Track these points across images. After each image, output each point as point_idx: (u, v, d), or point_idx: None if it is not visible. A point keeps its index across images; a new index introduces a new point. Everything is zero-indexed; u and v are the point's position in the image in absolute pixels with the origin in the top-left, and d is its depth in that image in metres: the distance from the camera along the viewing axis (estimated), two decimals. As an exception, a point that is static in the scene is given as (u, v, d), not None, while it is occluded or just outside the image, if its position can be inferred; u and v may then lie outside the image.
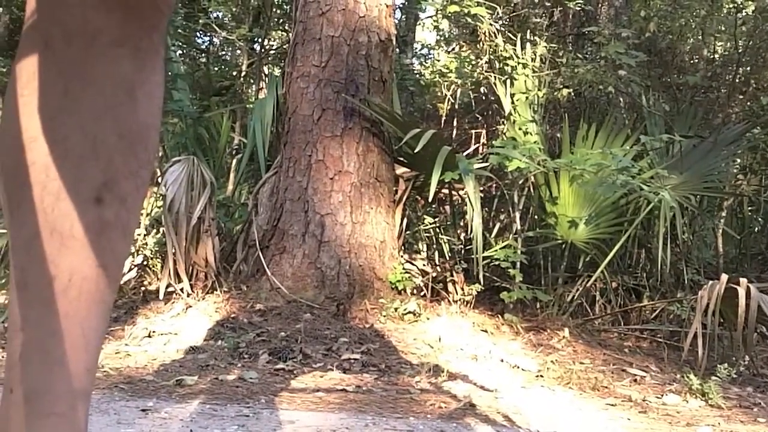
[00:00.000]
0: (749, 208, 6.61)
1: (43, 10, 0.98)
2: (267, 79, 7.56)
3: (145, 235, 5.44)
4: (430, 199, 5.25)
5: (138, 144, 1.00)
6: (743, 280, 4.58)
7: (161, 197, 5.16)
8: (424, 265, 5.73)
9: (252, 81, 9.02)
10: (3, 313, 4.54)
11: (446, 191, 5.90)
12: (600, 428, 3.42)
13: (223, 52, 11.25)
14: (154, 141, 1.04)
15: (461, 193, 5.75)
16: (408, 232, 5.92)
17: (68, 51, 0.96)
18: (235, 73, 9.36)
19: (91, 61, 0.96)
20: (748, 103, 6.74)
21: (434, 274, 5.54)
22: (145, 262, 5.43)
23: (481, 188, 5.75)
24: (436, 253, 5.89)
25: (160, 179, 5.28)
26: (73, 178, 0.96)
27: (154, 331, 4.62)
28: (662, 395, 4.07)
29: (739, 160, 6.75)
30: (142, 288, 5.34)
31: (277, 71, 8.81)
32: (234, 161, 6.45)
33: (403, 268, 5.38)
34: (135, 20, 0.98)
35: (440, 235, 5.99)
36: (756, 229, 6.97)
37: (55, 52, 0.96)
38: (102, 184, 0.97)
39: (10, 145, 0.98)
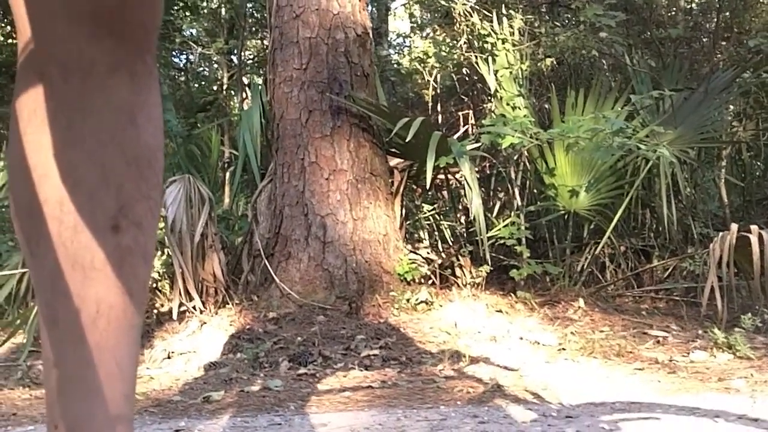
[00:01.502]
0: (749, 154, 6.59)
1: (36, 46, 0.97)
2: (249, 88, 7.53)
3: (150, 259, 5.40)
4: (427, 187, 5.22)
5: (146, 167, 1.01)
6: (754, 228, 4.56)
7: (163, 219, 5.13)
8: (428, 253, 5.71)
9: (234, 93, 8.98)
10: (23, 352, 4.51)
11: (442, 177, 5.87)
12: (631, 394, 3.40)
13: (202, 68, 11.21)
14: (160, 162, 1.04)
15: (457, 176, 5.72)
16: (408, 223, 5.89)
17: (66, 85, 0.96)
18: (216, 88, 9.33)
19: (90, 91, 0.96)
20: (734, 48, 6.71)
21: (440, 261, 5.51)
22: (154, 285, 5.40)
23: (477, 169, 5.72)
24: (439, 240, 5.86)
25: (161, 201, 5.24)
26: (87, 209, 0.96)
27: (173, 352, 4.60)
28: (688, 353, 4.06)
29: (732, 107, 6.73)
30: (155, 310, 5.31)
31: (258, 80, 8.76)
32: (227, 174, 6.42)
33: (409, 259, 5.35)
34: (127, 45, 0.98)
35: (441, 221, 5.97)
36: (758, 174, 6.95)
37: (53, 87, 0.96)
38: (117, 212, 0.97)
39: (21, 185, 0.98)
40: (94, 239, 0.96)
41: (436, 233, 5.93)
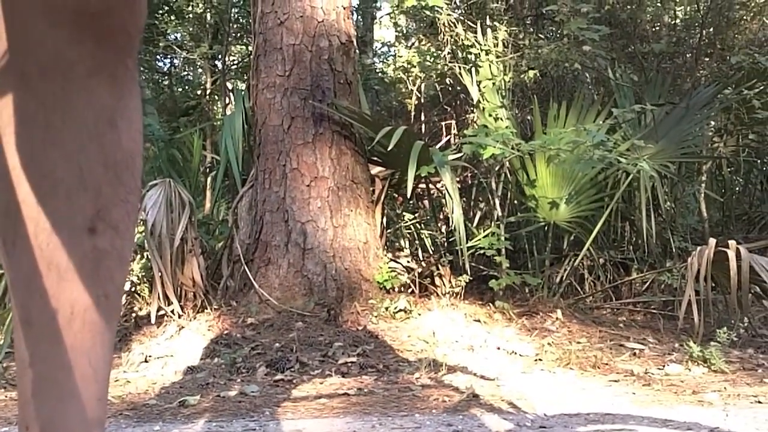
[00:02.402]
0: (729, 170, 6.64)
1: (15, 48, 0.97)
2: (232, 94, 7.52)
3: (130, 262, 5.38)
4: (408, 195, 5.22)
5: (124, 171, 1.00)
6: (732, 243, 4.60)
7: (142, 222, 5.11)
8: (408, 261, 5.71)
9: (217, 98, 8.96)
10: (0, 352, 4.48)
11: (423, 186, 5.89)
12: (606, 405, 3.41)
13: (186, 73, 11.18)
14: (138, 166, 1.04)
15: (438, 186, 5.73)
16: (389, 231, 5.89)
17: (45, 86, 0.95)
18: (199, 92, 9.31)
19: (69, 94, 0.96)
20: (716, 65, 6.77)
21: (420, 270, 5.52)
22: (133, 289, 5.38)
23: (458, 179, 5.73)
24: (420, 249, 5.87)
25: (139, 204, 5.22)
26: (64, 211, 0.96)
27: (150, 356, 4.58)
28: (664, 366, 4.08)
29: (713, 123, 6.77)
30: (133, 314, 5.28)
31: (241, 85, 8.76)
32: (209, 179, 6.41)
33: (389, 267, 5.36)
34: (107, 48, 0.98)
35: (421, 230, 5.97)
36: (737, 189, 7.00)
37: (32, 89, 0.96)
38: (94, 215, 0.97)
39: (0, 186, 0.97)
40: (70, 241, 0.95)
41: (417, 242, 5.94)
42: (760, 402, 3.40)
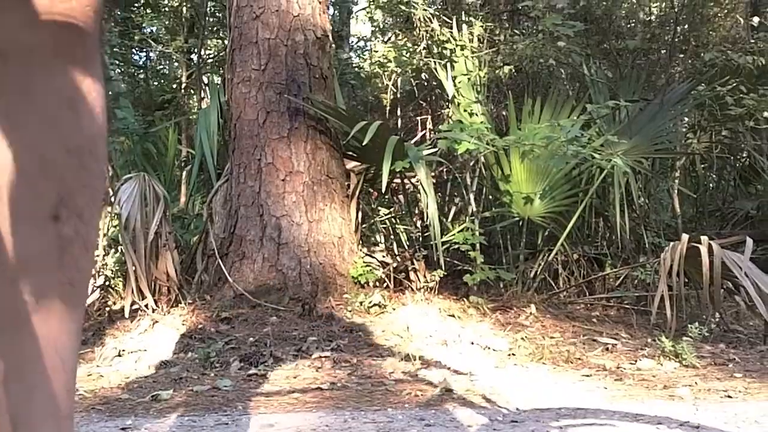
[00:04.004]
0: (702, 166, 6.69)
1: None
2: (208, 88, 7.49)
3: (104, 256, 5.35)
4: (383, 191, 5.23)
5: (87, 156, 0.99)
6: (704, 238, 4.64)
7: (116, 216, 5.08)
8: (383, 256, 5.71)
9: (193, 91, 8.92)
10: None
11: (398, 181, 5.89)
12: (578, 400, 3.43)
13: (161, 66, 11.12)
14: (102, 150, 1.02)
15: (413, 181, 5.74)
16: (364, 226, 5.89)
17: (4, 70, 0.94)
18: (175, 86, 9.26)
19: (29, 78, 0.94)
20: (690, 61, 6.82)
21: (395, 265, 5.53)
22: (107, 283, 5.35)
23: (433, 174, 5.74)
24: (395, 244, 5.87)
25: (113, 198, 5.20)
26: (27, 199, 0.94)
27: (123, 350, 4.55)
28: (636, 361, 4.11)
29: (687, 119, 6.82)
30: (107, 308, 5.25)
31: (217, 79, 8.72)
32: (184, 173, 6.38)
33: (364, 262, 5.36)
34: (66, 31, 0.97)
35: (396, 225, 5.98)
36: (711, 186, 7.06)
37: None
38: (57, 202, 0.95)
39: None
40: (34, 230, 0.94)
41: (392, 237, 5.94)
42: (729, 396, 3.44)
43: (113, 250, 5.32)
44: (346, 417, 3.21)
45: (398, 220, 6.04)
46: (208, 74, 9.47)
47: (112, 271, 5.29)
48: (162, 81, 10.46)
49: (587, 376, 3.87)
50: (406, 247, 5.77)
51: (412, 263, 5.47)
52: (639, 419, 3.10)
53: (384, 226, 5.99)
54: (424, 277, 5.31)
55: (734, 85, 5.76)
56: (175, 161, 6.51)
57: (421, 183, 5.10)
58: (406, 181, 5.93)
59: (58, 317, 0.96)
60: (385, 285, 5.31)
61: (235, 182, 5.31)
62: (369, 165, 5.67)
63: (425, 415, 3.22)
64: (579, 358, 4.17)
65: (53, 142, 0.95)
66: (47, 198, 0.95)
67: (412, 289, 5.23)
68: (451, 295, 5.28)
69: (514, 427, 3.03)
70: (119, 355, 4.52)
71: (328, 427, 3.06)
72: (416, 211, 6.23)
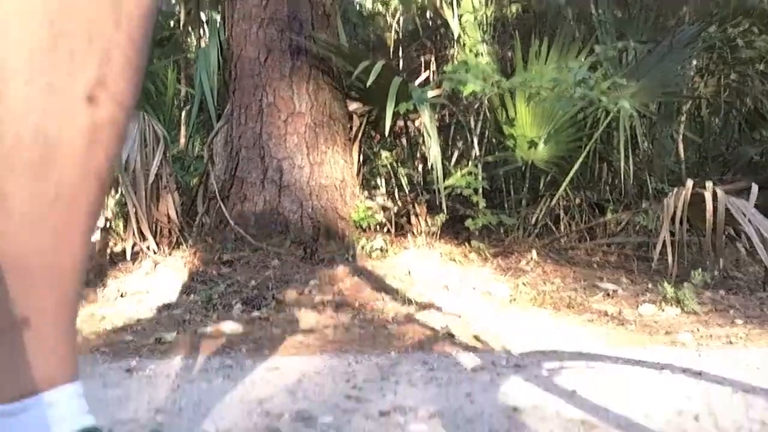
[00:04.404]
0: (708, 111, 6.62)
1: None
2: (207, 25, 7.36)
3: (104, 198, 5.31)
4: (386, 133, 5.17)
5: (136, 35, 0.89)
6: (709, 184, 4.60)
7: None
8: (385, 200, 5.68)
9: (192, 29, 8.78)
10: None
11: (401, 123, 5.83)
12: (580, 345, 3.44)
13: (158, 2, 10.91)
14: (148, 36, 0.93)
15: (417, 123, 5.68)
16: (366, 169, 5.85)
17: None
18: (173, 23, 9.11)
19: None
20: (701, 2, 6.68)
21: (396, 209, 5.50)
22: (107, 225, 5.33)
23: (436, 117, 5.68)
24: (396, 188, 5.84)
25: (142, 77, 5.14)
26: (63, 72, 0.84)
27: (126, 292, 4.55)
28: (637, 307, 4.11)
29: (695, 62, 6.72)
30: (108, 250, 5.24)
31: (216, 16, 8.57)
32: (183, 113, 6.31)
33: (366, 206, 5.33)
34: None
35: (398, 169, 5.94)
36: (716, 131, 6.98)
37: None
38: (96, 81, 0.86)
39: None
40: (64, 110, 0.85)
41: (394, 181, 5.90)
42: (731, 343, 3.44)
43: (113, 191, 5.28)
44: (349, 360, 3.21)
45: (400, 164, 5.99)
46: (207, 11, 9.32)
47: (112, 212, 5.27)
48: (159, 18, 10.29)
49: (589, 321, 3.88)
50: (408, 192, 5.73)
51: (414, 208, 5.43)
52: (642, 364, 3.10)
53: (386, 170, 5.94)
54: (426, 221, 5.28)
55: (746, 26, 5.65)
56: (174, 101, 6.43)
57: (424, 126, 5.05)
58: (409, 123, 5.88)
59: (78, 210, 0.88)
60: (386, 229, 5.29)
61: (235, 123, 5.25)
62: (372, 107, 5.60)
63: (428, 359, 3.22)
64: (580, 304, 4.17)
65: (103, 10, 0.85)
66: (85, 74, 0.85)
67: (414, 234, 5.21)
68: (453, 239, 5.26)
69: (517, 371, 3.03)
70: (122, 296, 4.52)
71: (332, 370, 3.06)
72: (418, 155, 6.18)
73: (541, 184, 5.74)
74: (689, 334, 3.55)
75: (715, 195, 4.52)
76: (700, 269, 4.34)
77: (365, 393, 2.75)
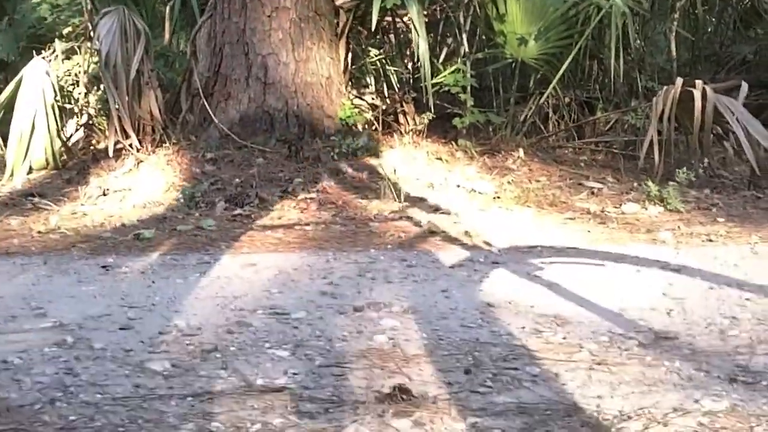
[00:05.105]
0: (703, 8, 6.44)
1: None
2: None
3: (86, 94, 5.25)
4: (372, 29, 5.06)
5: None
6: (699, 82, 4.54)
7: (96, 52, 4.93)
8: (373, 98, 5.60)
9: None
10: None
11: (389, 19, 5.70)
12: (560, 242, 3.44)
13: None
14: None
15: (405, 20, 5.56)
16: (354, 67, 5.74)
17: None
18: None
19: None
20: None
21: (385, 107, 5.42)
22: (90, 121, 5.28)
23: (425, 12, 5.53)
24: (385, 86, 5.74)
25: (92, 33, 5.03)
26: None
27: (108, 189, 4.53)
28: (621, 205, 4.10)
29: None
30: (91, 148, 5.20)
31: None
32: (167, 8, 6.14)
33: (353, 104, 5.26)
34: None
35: (387, 67, 5.82)
36: (710, 29, 6.82)
37: None
38: None
39: None
40: None
41: (382, 79, 5.80)
42: (711, 240, 3.45)
43: (95, 88, 5.21)
44: (328, 257, 3.22)
45: (389, 62, 5.87)
46: None
47: (95, 109, 5.21)
48: None
49: (571, 219, 3.88)
50: (396, 90, 5.64)
51: (402, 106, 5.36)
52: (621, 260, 3.11)
53: (374, 67, 5.83)
54: (414, 120, 5.22)
55: None
56: (157, -5, 6.24)
57: (412, 21, 4.94)
58: (397, 20, 5.75)
59: None
60: (373, 128, 5.23)
61: (219, 18, 5.11)
62: (359, 1, 5.46)
63: (407, 256, 3.23)
64: (564, 202, 4.16)
65: None
66: None
67: (401, 133, 5.15)
68: (440, 138, 5.20)
69: (495, 267, 3.04)
70: (104, 195, 4.50)
71: (310, 267, 3.07)
72: (408, 53, 6.06)
73: (531, 82, 5.65)
74: (670, 232, 3.55)
75: (704, 93, 4.46)
76: (684, 168, 4.31)
77: (341, 289, 2.76)
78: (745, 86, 4.56)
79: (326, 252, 3.31)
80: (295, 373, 1.97)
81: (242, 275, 2.95)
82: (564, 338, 2.22)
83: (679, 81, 4.60)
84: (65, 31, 5.52)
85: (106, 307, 2.52)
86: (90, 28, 5.15)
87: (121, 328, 2.31)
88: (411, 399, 1.78)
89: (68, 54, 5.37)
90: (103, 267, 3.05)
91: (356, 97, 5.46)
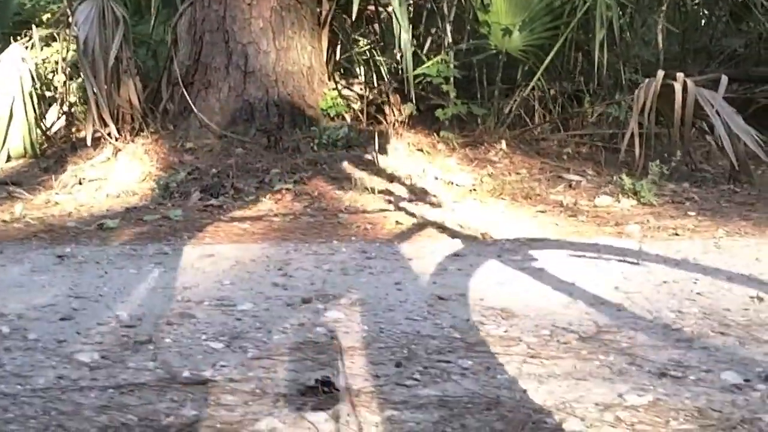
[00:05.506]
0: (694, 2, 6.35)
1: None
2: None
3: (66, 81, 5.23)
4: (353, 18, 5.02)
5: None
6: (680, 75, 4.49)
7: (74, 40, 4.91)
8: (361, 89, 5.56)
9: None
10: None
11: (372, 8, 5.65)
12: (527, 234, 3.40)
13: None
14: None
15: (389, 9, 5.51)
16: (343, 57, 5.70)
17: None
18: None
19: None
20: None
21: (370, 98, 5.38)
22: (70, 109, 5.25)
23: (409, 2, 5.48)
24: (375, 76, 5.69)
25: (70, 19, 5.01)
26: None
27: (84, 178, 4.50)
28: (595, 198, 4.06)
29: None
30: (71, 136, 5.18)
31: None
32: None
33: (340, 94, 5.22)
34: None
35: (376, 57, 5.78)
36: (702, 22, 6.71)
37: None
38: None
39: None
40: None
41: (370, 69, 5.75)
42: (677, 234, 3.40)
43: (76, 75, 5.19)
44: (289, 249, 3.19)
45: (378, 52, 5.82)
46: None
47: (75, 97, 5.18)
48: None
49: (542, 212, 3.84)
50: (376, 82, 5.58)
51: (388, 97, 5.32)
52: (582, 253, 3.07)
53: (364, 57, 5.78)
54: (399, 111, 5.18)
55: None
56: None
57: (394, 11, 4.89)
58: (381, 8, 5.71)
59: None
60: (359, 119, 5.19)
61: (199, 6, 5.06)
62: (342, -11, 5.41)
63: (368, 248, 3.20)
64: (538, 195, 4.12)
65: None
66: None
67: (384, 123, 5.12)
68: (424, 130, 5.16)
69: (454, 260, 3.00)
70: (80, 183, 4.48)
71: (269, 258, 3.04)
72: (394, 43, 6.00)
73: (518, 74, 5.59)
74: (637, 225, 3.51)
75: (685, 86, 4.41)
76: (658, 161, 4.26)
77: (294, 281, 2.73)
78: (725, 79, 4.50)
79: (288, 243, 3.28)
80: (223, 366, 1.94)
81: (198, 266, 2.92)
82: (505, 331, 2.19)
83: (660, 74, 4.55)
84: (45, 18, 5.50)
85: (52, 297, 2.50)
86: (69, 14, 5.12)
87: (61, 319, 2.28)
88: (332, 392, 1.76)
89: (47, 41, 5.35)
90: (59, 257, 3.02)
91: (345, 87, 5.42)
